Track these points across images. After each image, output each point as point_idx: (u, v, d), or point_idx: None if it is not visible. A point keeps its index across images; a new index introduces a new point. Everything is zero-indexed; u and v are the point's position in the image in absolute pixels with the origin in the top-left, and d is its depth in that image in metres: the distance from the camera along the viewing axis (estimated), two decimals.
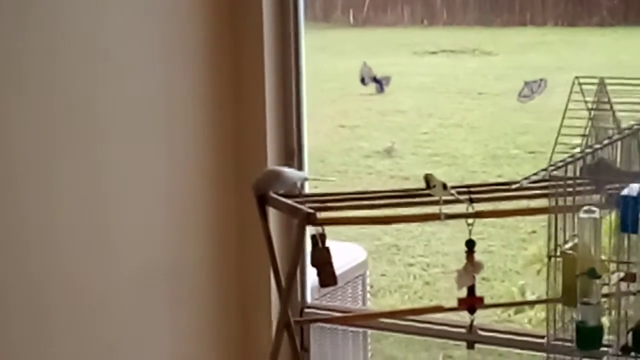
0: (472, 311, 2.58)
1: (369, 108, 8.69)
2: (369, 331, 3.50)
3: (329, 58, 9.23)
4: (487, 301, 2.59)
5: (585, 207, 1.90)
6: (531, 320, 4.15)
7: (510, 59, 9.71)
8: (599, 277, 1.90)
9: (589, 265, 1.90)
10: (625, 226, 2.02)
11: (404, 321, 3.01)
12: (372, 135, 7.90)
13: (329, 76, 8.62)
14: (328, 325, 3.29)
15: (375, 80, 2.94)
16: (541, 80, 2.89)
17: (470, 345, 2.75)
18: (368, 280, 4.22)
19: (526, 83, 2.91)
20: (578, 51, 9.34)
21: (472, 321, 2.60)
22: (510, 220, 6.03)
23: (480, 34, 10.28)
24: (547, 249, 1.96)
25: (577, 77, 2.12)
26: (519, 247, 5.72)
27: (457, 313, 2.71)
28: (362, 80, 2.95)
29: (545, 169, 1.92)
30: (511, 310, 4.24)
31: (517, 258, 5.51)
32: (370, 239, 5.72)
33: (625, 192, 2.02)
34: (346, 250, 3.82)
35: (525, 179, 1.94)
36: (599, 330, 1.91)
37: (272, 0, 3.02)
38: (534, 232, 5.91)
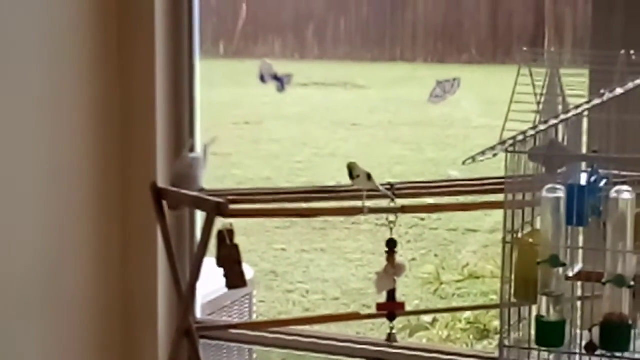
0: (392, 318, 2.34)
1: (241, 137, 8.46)
2: (255, 349, 3.26)
3: (199, 88, 8.98)
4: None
5: (548, 186, 1.69)
6: (431, 340, 3.95)
7: (382, 92, 9.67)
8: (563, 265, 1.69)
9: (551, 252, 1.69)
10: (570, 218, 1.81)
11: (305, 338, 2.77)
12: (245, 164, 7.67)
13: (201, 106, 8.37)
14: (213, 342, 3.02)
15: (275, 78, 2.71)
16: (454, 79, 2.69)
17: None
18: (255, 300, 3.97)
19: (438, 83, 2.72)
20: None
21: (391, 329, 2.36)
22: None
23: (352, 68, 10.22)
24: (503, 234, 1.74)
25: (525, 50, 1.93)
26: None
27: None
28: (262, 78, 2.72)
29: (503, 142, 1.70)
30: (405, 333, 4.02)
31: (399, 285, 5.33)
32: (246, 264, 5.48)
33: (571, 180, 1.82)
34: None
35: (480, 153, 1.72)
36: (561, 325, 1.69)
37: (166, 24, 2.81)
38: (413, 259, 5.78)
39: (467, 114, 8.38)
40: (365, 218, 6.22)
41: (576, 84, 2.11)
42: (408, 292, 5.23)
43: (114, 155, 2.79)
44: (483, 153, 1.72)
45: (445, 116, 8.48)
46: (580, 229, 1.89)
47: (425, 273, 5.05)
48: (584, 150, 2.17)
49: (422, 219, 6.27)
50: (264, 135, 8.40)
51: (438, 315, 4.07)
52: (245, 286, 2.23)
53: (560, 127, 1.94)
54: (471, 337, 4.18)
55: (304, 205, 2.29)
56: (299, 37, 10.52)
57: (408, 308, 2.46)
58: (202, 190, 2.33)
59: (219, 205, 2.11)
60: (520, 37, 9.72)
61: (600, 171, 1.93)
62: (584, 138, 2.20)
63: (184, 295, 2.28)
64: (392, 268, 2.33)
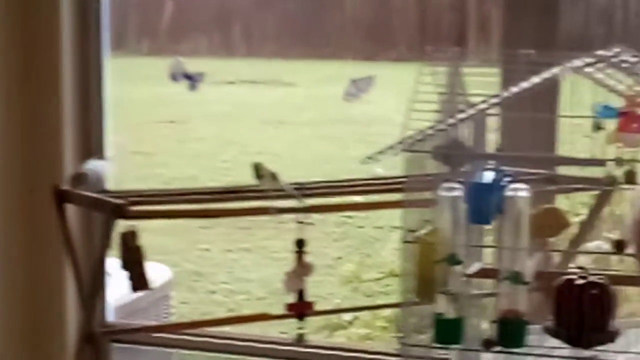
0: (301, 318, 2.32)
1: (166, 136, 8.39)
2: (173, 352, 3.22)
3: (121, 86, 8.86)
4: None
5: (446, 185, 1.69)
6: (351, 338, 3.95)
7: (311, 90, 9.66)
8: (461, 263, 1.69)
9: (449, 250, 1.69)
10: (475, 217, 1.81)
11: (221, 339, 2.75)
12: (170, 163, 7.60)
13: (123, 104, 8.27)
14: (129, 346, 2.97)
15: (187, 76, 2.66)
16: (369, 77, 2.69)
17: None
18: (173, 302, 3.93)
19: (353, 81, 2.71)
20: (378, 84, 9.42)
21: (301, 329, 2.34)
22: (316, 247, 5.90)
23: (280, 66, 10.19)
24: (403, 234, 1.73)
25: (428, 47, 1.92)
26: (326, 274, 5.55)
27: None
28: (173, 77, 2.67)
29: (402, 142, 1.69)
30: (327, 331, 4.01)
31: (324, 284, 5.33)
32: (168, 265, 5.44)
33: (476, 179, 1.82)
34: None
35: (380, 152, 1.71)
36: (459, 323, 1.69)
37: (73, 22, 2.75)
38: (339, 258, 5.78)
39: (394, 111, 8.41)
40: (292, 217, 6.22)
41: (486, 83, 2.11)
42: (332, 290, 5.23)
43: (17, 159, 2.72)
44: (382, 152, 1.71)
45: (372, 114, 8.51)
46: (487, 227, 1.89)
47: (347, 271, 5.06)
48: (490, 148, 2.17)
49: (350, 217, 6.28)
50: (190, 134, 8.34)
51: (358, 313, 4.07)
52: (148, 289, 2.19)
53: (466, 125, 1.94)
54: (390, 334, 4.18)
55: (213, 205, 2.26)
56: (225, 34, 10.46)
57: (328, 307, 2.46)
58: (104, 191, 2.29)
59: (119, 206, 2.07)
60: (449, 34, 9.79)
61: (508, 169, 1.93)
62: (495, 136, 2.21)
63: (85, 299, 2.23)
64: (301, 268, 2.31)
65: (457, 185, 1.71)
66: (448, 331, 1.69)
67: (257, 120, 8.93)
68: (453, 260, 1.69)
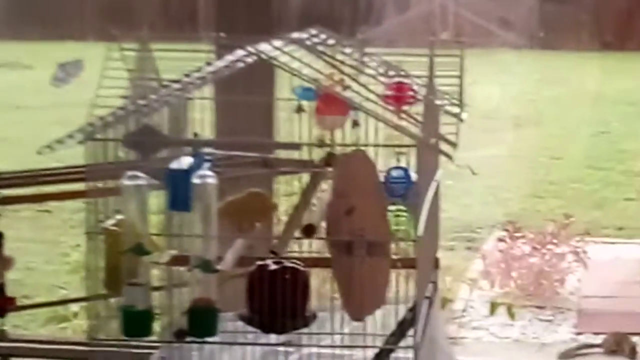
0: (1, 314, 2.22)
1: None
2: None
3: None
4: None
5: (129, 173, 1.63)
6: (75, 331, 3.83)
7: (49, 73, 9.35)
8: (148, 253, 1.64)
9: (136, 240, 1.64)
10: (174, 204, 1.77)
11: None
12: None
13: None
14: None
15: None
16: (77, 61, 2.60)
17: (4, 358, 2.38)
18: None
19: (60, 65, 2.60)
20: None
21: (1, 326, 2.24)
22: (52, 235, 5.71)
23: (16, 47, 9.81)
24: (86, 225, 1.66)
25: (116, 31, 1.86)
26: (61, 262, 5.39)
27: None
28: None
29: (82, 129, 1.62)
30: (54, 324, 3.88)
31: (59, 273, 5.17)
32: None
33: (173, 165, 1.78)
34: None
35: (58, 141, 1.63)
36: (148, 314, 1.64)
37: None
38: (78, 245, 5.62)
39: None
40: (27, 205, 5.95)
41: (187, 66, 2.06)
42: (66, 279, 5.08)
43: None
44: (61, 142, 1.63)
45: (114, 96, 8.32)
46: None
47: (74, 260, 4.92)
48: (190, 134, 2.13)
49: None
50: None
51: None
52: None
53: (159, 111, 1.89)
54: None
55: None
56: None
57: (53, 298, 2.35)
58: None
59: None
60: (191, 14, 9.73)
61: (210, 154, 1.90)
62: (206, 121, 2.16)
63: None
64: (0, 261, 2.20)
65: (142, 174, 1.66)
66: (136, 323, 1.64)
67: None
68: (140, 250, 1.64)
